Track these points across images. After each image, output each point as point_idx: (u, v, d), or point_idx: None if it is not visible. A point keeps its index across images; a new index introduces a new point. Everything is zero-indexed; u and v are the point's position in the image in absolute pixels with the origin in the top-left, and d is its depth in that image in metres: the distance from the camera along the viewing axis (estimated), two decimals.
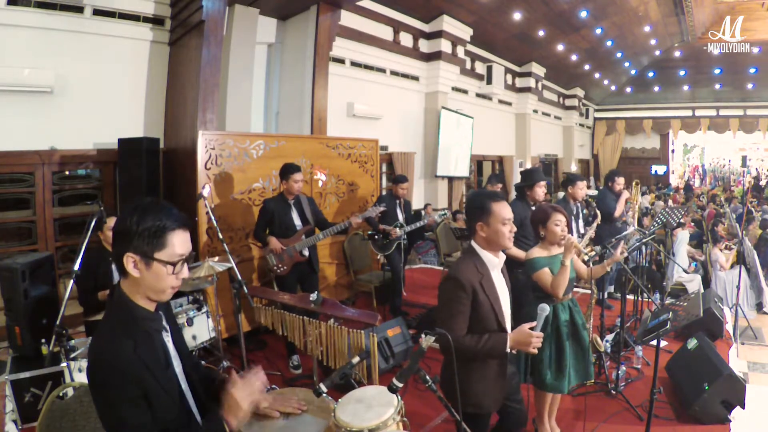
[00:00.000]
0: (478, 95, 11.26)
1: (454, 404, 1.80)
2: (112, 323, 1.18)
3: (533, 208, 3.76)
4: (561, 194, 4.50)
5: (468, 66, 10.44)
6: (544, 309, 1.79)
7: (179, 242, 1.17)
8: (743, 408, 2.81)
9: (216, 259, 3.38)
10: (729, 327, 4.27)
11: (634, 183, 5.29)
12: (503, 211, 1.85)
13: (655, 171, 18.54)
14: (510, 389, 2.06)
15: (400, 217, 4.78)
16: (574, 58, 12.91)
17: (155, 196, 4.37)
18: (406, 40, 8.53)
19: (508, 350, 1.81)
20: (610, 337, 3.75)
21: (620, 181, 5.04)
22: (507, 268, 2.02)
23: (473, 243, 1.93)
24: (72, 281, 2.90)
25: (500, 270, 1.95)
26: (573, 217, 4.32)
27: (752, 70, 14.41)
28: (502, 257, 1.94)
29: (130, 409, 1.10)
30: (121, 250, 1.14)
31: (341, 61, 7.36)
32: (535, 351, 1.80)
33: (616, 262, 2.88)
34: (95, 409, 1.16)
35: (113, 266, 2.42)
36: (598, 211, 4.07)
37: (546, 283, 2.48)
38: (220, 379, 1.46)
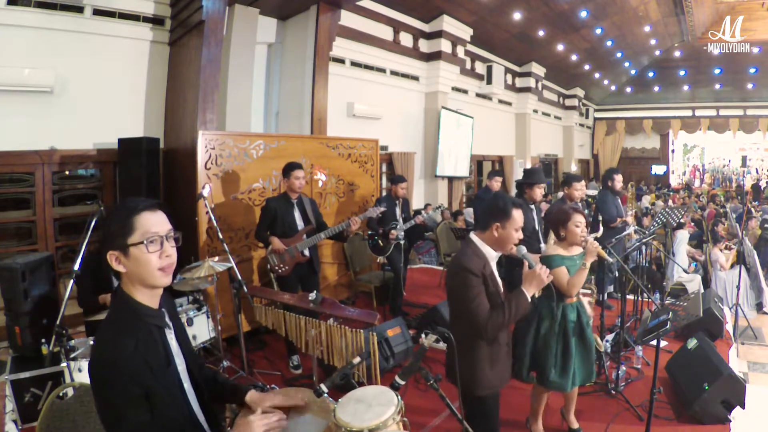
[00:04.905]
0: (478, 95, 11.26)
1: (466, 389, 1.86)
2: (114, 322, 1.20)
3: (531, 206, 3.77)
4: (561, 194, 4.50)
5: (468, 66, 10.44)
6: (521, 249, 1.98)
7: (149, 223, 1.18)
8: (743, 408, 2.81)
9: (216, 259, 3.37)
10: (729, 327, 4.27)
11: (652, 196, 5.31)
12: (520, 219, 1.98)
13: (655, 171, 18.54)
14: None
15: (399, 217, 4.78)
16: (574, 58, 12.90)
17: (155, 197, 4.37)
18: (406, 40, 8.53)
19: (529, 298, 1.94)
20: (610, 337, 3.75)
21: (618, 179, 5.04)
22: (508, 266, 2.07)
23: (475, 236, 2.04)
24: (72, 281, 2.91)
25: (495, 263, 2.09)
26: None
27: (752, 70, 14.40)
28: (499, 252, 2.06)
29: (129, 409, 1.10)
30: (104, 252, 1.18)
31: (341, 61, 7.35)
32: (552, 277, 1.98)
33: (616, 263, 2.89)
34: (95, 408, 1.16)
35: None
36: (601, 225, 4.09)
37: (561, 281, 2.47)
38: (228, 384, 1.47)
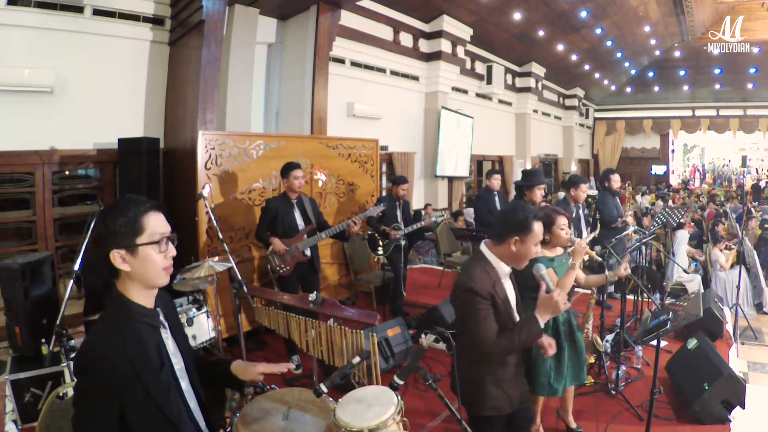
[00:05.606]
0: (478, 95, 11.26)
1: (469, 407, 1.78)
2: (106, 320, 1.21)
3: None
4: (561, 194, 4.50)
5: (468, 66, 10.44)
6: (540, 268, 1.80)
7: (155, 223, 1.21)
8: (743, 408, 2.81)
9: (216, 259, 3.37)
10: (729, 327, 4.27)
11: (652, 196, 5.29)
12: (540, 232, 1.80)
13: (655, 171, 18.54)
14: (523, 390, 2.04)
15: (400, 218, 4.77)
16: (574, 58, 12.90)
17: (155, 197, 4.38)
18: (406, 40, 8.53)
19: (542, 325, 1.75)
20: (610, 337, 3.75)
21: (616, 179, 5.03)
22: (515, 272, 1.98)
23: (486, 249, 1.86)
24: (72, 281, 2.90)
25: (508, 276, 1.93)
26: (574, 219, 4.34)
27: (752, 70, 14.41)
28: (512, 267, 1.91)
29: (96, 406, 1.11)
30: (106, 251, 1.17)
31: (341, 61, 7.36)
32: (568, 305, 1.75)
33: (616, 262, 2.88)
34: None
35: None
36: (598, 222, 4.09)
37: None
38: (210, 361, 1.48)
